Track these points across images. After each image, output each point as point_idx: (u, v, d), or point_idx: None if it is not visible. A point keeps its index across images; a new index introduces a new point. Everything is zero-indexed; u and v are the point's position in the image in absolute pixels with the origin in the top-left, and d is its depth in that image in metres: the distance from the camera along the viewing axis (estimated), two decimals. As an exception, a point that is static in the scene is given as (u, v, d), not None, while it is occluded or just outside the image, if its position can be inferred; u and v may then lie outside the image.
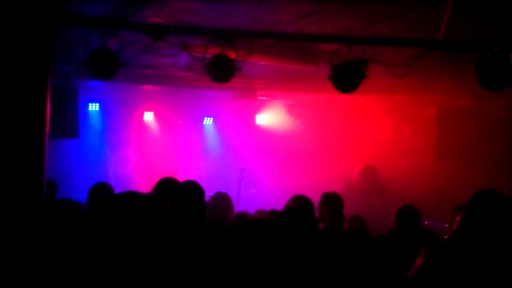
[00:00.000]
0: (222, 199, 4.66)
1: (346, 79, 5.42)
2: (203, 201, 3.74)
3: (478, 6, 4.71)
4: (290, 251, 2.93)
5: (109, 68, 5.17)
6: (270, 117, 10.09)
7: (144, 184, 8.48)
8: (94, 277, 1.83)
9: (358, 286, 2.94)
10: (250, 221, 3.29)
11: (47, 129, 4.46)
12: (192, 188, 3.73)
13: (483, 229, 2.80)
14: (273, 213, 4.80)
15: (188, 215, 3.62)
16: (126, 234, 1.82)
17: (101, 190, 4.61)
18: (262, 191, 9.53)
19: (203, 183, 3.88)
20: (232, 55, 5.25)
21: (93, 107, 8.80)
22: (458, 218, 3.14)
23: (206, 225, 3.71)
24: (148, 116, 9.31)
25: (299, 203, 4.39)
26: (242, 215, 4.57)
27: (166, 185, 4.03)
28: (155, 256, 1.85)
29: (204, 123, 9.84)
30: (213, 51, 5.23)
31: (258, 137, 9.85)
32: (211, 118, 9.84)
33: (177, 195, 3.71)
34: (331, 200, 4.84)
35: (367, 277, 2.98)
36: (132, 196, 1.92)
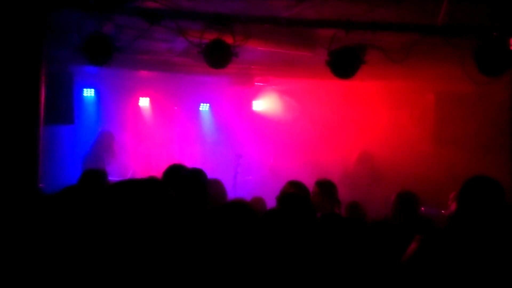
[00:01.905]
0: (214, 186, 4.63)
1: (344, 64, 5.38)
2: (206, 189, 3.78)
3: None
4: (286, 237, 2.92)
5: (104, 53, 5.11)
6: (267, 103, 10.05)
7: (140, 170, 8.47)
8: (100, 266, 1.81)
9: (352, 272, 2.94)
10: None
11: (42, 115, 4.42)
12: (197, 176, 3.77)
13: (475, 214, 2.82)
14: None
15: (190, 202, 3.65)
16: (136, 221, 1.80)
17: (94, 177, 4.53)
18: (259, 177, 9.51)
19: (199, 169, 3.89)
20: (229, 40, 5.19)
21: (89, 92, 8.73)
22: (453, 205, 3.16)
23: (207, 212, 3.71)
24: (144, 102, 9.25)
25: (294, 189, 4.37)
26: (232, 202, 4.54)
27: (174, 172, 4.05)
28: (163, 244, 1.83)
29: (200, 109, 9.79)
30: (209, 36, 5.18)
31: (255, 124, 9.82)
32: (208, 104, 9.79)
33: (182, 182, 3.75)
34: (326, 187, 4.82)
35: (361, 263, 2.98)
36: (140, 183, 1.90)
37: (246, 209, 3.04)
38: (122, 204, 1.80)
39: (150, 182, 1.92)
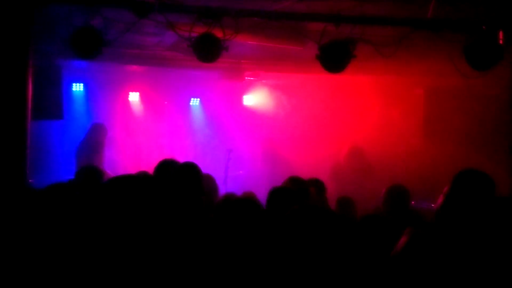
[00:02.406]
0: (206, 181, 4.61)
1: (335, 58, 5.37)
2: (200, 183, 3.75)
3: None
4: (270, 231, 2.91)
5: (92, 47, 5.06)
6: (257, 98, 10.02)
7: (131, 166, 8.41)
8: (93, 264, 1.79)
9: (342, 266, 2.94)
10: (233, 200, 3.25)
11: (29, 110, 4.36)
12: (190, 170, 3.74)
13: (464, 208, 2.83)
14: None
15: (186, 196, 3.62)
16: (128, 217, 1.78)
17: (90, 174, 4.48)
18: (249, 172, 9.50)
19: (190, 164, 3.86)
20: (218, 34, 5.16)
21: (77, 87, 8.65)
22: (440, 198, 3.16)
23: (203, 207, 3.69)
24: (134, 97, 9.19)
25: (292, 185, 4.36)
26: (229, 197, 4.53)
27: (166, 167, 4.02)
28: (156, 239, 1.82)
29: (190, 103, 9.75)
30: (199, 29, 5.14)
31: (246, 118, 9.79)
32: (198, 99, 9.75)
33: (175, 176, 3.72)
34: (319, 185, 4.84)
35: (351, 257, 2.98)
36: (132, 179, 1.89)
37: (255, 206, 3.02)
38: (115, 200, 1.78)
39: (143, 178, 1.91)
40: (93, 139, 8.01)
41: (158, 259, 1.81)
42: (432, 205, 6.07)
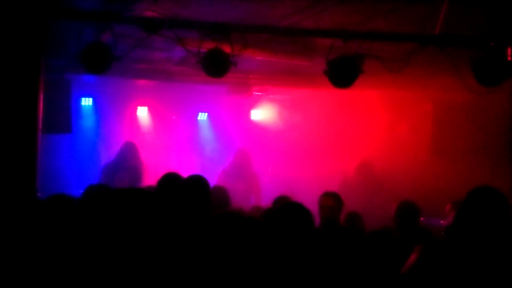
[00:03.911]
0: (218, 193, 4.59)
1: (342, 74, 5.39)
2: (208, 196, 3.71)
3: (474, 0, 4.69)
4: (279, 247, 2.90)
5: (102, 62, 5.12)
6: (265, 113, 10.03)
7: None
8: (89, 272, 1.80)
9: (351, 283, 2.92)
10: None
11: (40, 124, 4.40)
12: (197, 183, 3.71)
13: (477, 225, 2.80)
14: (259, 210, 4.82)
15: (192, 210, 3.59)
16: (122, 229, 1.79)
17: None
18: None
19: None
20: (227, 49, 5.20)
21: (86, 101, 8.71)
22: (452, 214, 3.13)
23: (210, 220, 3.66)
24: (142, 111, 9.23)
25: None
26: (238, 211, 4.52)
27: (170, 181, 4.00)
28: (150, 252, 1.82)
29: (198, 118, 9.78)
30: (208, 45, 5.18)
31: (253, 133, 9.80)
32: (206, 113, 9.78)
33: (181, 190, 3.69)
34: (336, 198, 4.87)
35: (360, 273, 2.96)
36: (122, 192, 1.90)
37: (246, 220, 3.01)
38: (112, 213, 1.79)
39: (140, 192, 1.91)
40: (120, 157, 7.99)
41: (156, 268, 1.81)
42: (441, 221, 6.03)
